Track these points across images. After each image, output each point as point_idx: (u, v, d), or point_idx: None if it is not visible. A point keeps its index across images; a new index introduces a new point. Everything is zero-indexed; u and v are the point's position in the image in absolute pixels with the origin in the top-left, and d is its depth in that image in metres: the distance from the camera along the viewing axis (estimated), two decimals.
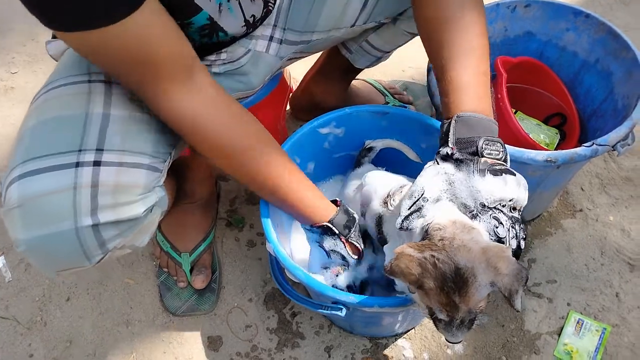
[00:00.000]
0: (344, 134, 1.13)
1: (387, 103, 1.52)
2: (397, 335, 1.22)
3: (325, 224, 0.95)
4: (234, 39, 0.94)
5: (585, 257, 1.33)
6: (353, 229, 0.97)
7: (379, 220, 0.90)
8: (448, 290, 0.65)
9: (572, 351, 1.19)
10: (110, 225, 0.76)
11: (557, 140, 1.30)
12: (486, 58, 0.84)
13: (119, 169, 0.76)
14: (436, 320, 0.70)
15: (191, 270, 1.27)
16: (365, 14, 1.03)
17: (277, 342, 1.22)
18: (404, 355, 1.20)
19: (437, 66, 0.85)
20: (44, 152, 0.74)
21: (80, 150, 0.75)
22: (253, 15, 0.91)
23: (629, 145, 1.02)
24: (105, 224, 0.76)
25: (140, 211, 0.79)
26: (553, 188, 1.24)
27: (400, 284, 0.84)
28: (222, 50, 0.94)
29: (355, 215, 0.98)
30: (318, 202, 0.96)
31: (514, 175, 0.75)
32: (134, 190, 0.78)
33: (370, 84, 1.55)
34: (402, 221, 0.73)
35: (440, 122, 1.06)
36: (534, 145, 1.17)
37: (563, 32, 1.25)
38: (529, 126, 1.30)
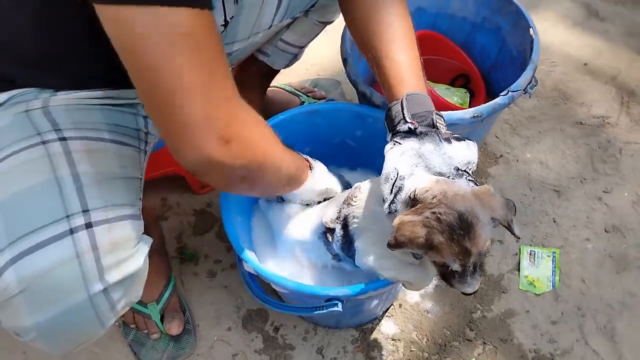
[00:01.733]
0: (282, 140, 1.14)
1: (303, 102, 1.55)
2: (380, 317, 1.26)
3: None
4: None
5: (517, 195, 1.45)
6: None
7: (345, 222, 0.92)
8: (458, 238, 0.69)
9: (533, 281, 1.30)
10: (117, 284, 0.74)
11: (468, 98, 1.40)
12: (415, 41, 0.90)
13: (109, 226, 0.73)
14: (449, 277, 0.74)
15: (161, 319, 1.22)
16: (280, 13, 1.05)
17: None
18: (391, 332, 1.24)
19: (374, 54, 0.89)
20: (31, 228, 0.69)
21: (68, 217, 0.71)
22: (232, 17, 0.90)
23: (535, 85, 1.14)
24: (113, 284, 0.73)
25: (141, 262, 0.77)
26: (477, 142, 1.34)
27: (390, 273, 0.86)
28: None
29: None
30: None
31: (472, 140, 0.82)
32: (128, 243, 0.76)
33: (282, 88, 1.58)
34: (390, 205, 0.76)
35: (368, 107, 1.12)
36: (452, 107, 1.26)
37: (449, 1, 1.35)
38: (440, 91, 1.40)
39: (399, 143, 0.80)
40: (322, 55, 1.78)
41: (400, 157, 0.78)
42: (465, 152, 0.79)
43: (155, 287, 1.23)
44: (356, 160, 1.14)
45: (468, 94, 1.41)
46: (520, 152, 1.54)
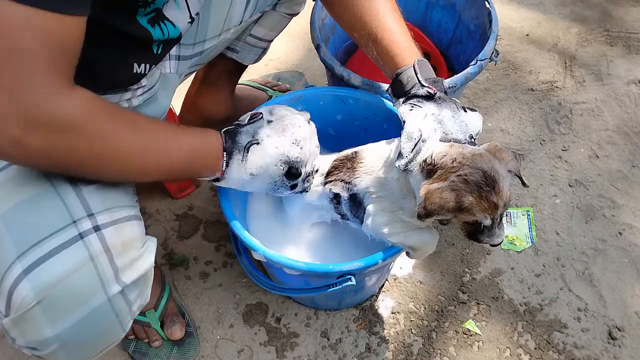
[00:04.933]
0: None
1: (270, 97, 1.56)
2: (377, 294, 1.30)
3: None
4: (178, 39, 0.91)
5: None
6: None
7: (350, 186, 0.95)
8: (486, 194, 0.73)
9: (513, 239, 1.37)
10: (132, 285, 0.73)
11: None
12: (401, 16, 0.94)
13: (116, 227, 0.73)
14: (477, 234, 0.78)
15: (161, 325, 1.21)
16: (250, 7, 1.06)
17: (276, 351, 1.22)
18: (389, 306, 1.28)
19: (369, 30, 0.91)
20: (39, 237, 0.67)
21: (75, 222, 0.70)
22: (197, 14, 0.89)
23: (498, 54, 1.21)
24: (129, 285, 0.72)
25: (152, 260, 0.77)
26: None
27: (398, 237, 0.90)
28: (145, 75, 0.90)
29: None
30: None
31: (479, 112, 0.87)
32: (137, 243, 0.75)
33: (248, 85, 1.58)
34: (407, 163, 0.79)
35: (347, 89, 1.15)
36: None
37: None
38: None
39: (419, 106, 0.83)
40: (278, 49, 1.80)
41: (423, 119, 0.81)
42: (478, 122, 0.84)
43: (152, 295, 1.20)
44: (333, 148, 1.17)
45: None
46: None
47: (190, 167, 0.81)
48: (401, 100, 0.88)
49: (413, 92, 0.85)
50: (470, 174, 0.73)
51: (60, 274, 0.66)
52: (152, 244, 0.79)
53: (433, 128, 0.81)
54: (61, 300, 0.67)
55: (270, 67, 1.77)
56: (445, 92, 0.86)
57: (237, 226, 0.96)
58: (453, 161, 0.75)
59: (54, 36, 0.59)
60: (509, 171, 0.77)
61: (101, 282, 0.69)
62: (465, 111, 0.85)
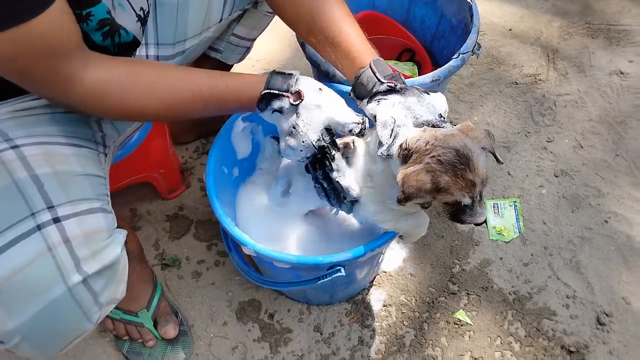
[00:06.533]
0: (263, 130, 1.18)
1: None
2: (368, 288, 1.31)
3: (264, 92, 0.85)
4: (135, 43, 0.91)
5: None
6: (292, 80, 0.86)
7: None
8: (461, 172, 0.75)
9: (501, 230, 1.39)
10: (96, 275, 0.73)
11: (416, 70, 1.48)
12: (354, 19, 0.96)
13: (78, 219, 0.73)
14: (459, 215, 0.80)
15: (155, 325, 1.21)
16: (229, 6, 1.07)
17: (270, 347, 1.23)
18: (381, 299, 1.30)
19: (326, 34, 0.93)
20: None
21: (33, 214, 0.70)
22: (142, 8, 0.89)
23: (481, 46, 1.23)
24: (92, 275, 0.73)
25: (118, 251, 0.77)
26: None
27: (389, 224, 0.92)
28: None
29: (293, 72, 0.88)
30: (247, 83, 0.87)
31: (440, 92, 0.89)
32: (100, 235, 0.75)
33: None
34: (388, 148, 0.81)
35: (332, 85, 1.17)
36: (407, 78, 1.33)
37: None
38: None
39: (385, 99, 0.85)
40: (264, 50, 1.81)
41: (392, 108, 0.83)
42: (442, 101, 0.86)
43: (143, 295, 1.22)
44: None
45: (415, 67, 1.49)
46: (467, 117, 1.64)
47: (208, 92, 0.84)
48: (365, 100, 0.89)
49: (375, 90, 0.87)
50: (443, 154, 0.75)
51: (16, 266, 0.67)
52: (120, 236, 0.79)
53: (403, 114, 0.83)
54: (19, 292, 0.67)
55: (257, 67, 1.78)
56: (404, 83, 0.88)
57: (226, 221, 0.97)
58: (426, 144, 0.76)
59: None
60: (482, 148, 0.79)
61: (60, 273, 0.69)
62: (428, 94, 0.87)
